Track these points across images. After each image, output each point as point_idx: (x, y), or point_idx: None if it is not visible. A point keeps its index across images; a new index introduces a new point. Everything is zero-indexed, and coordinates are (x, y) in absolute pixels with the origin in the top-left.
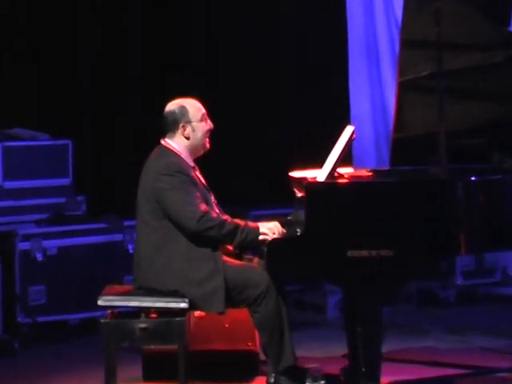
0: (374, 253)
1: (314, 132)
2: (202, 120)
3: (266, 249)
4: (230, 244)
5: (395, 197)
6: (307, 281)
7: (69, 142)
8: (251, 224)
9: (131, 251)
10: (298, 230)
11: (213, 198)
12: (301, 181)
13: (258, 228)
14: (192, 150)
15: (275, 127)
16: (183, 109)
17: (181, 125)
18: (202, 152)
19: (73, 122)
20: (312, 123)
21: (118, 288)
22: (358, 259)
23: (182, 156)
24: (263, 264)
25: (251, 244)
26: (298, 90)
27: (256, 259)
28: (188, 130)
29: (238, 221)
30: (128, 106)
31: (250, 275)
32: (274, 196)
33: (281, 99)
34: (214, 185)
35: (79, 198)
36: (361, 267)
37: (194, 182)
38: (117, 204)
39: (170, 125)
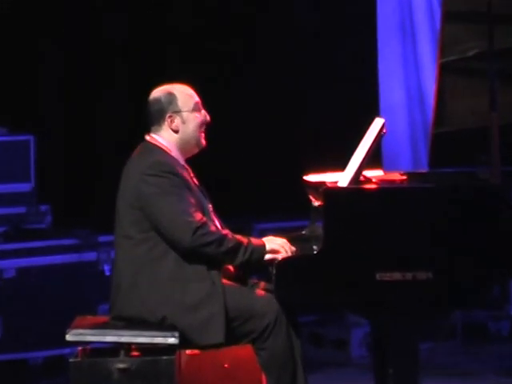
0: (408, 275)
1: (335, 126)
2: (194, 110)
3: (273, 270)
4: (231, 264)
5: (435, 206)
6: (326, 310)
7: (30, 138)
8: (255, 241)
9: (107, 273)
10: (315, 246)
11: (210, 206)
12: (318, 186)
13: (263, 245)
14: (183, 147)
15: (285, 121)
16: (171, 96)
17: (167, 115)
18: (195, 150)
19: (35, 113)
20: (332, 115)
21: (91, 319)
22: (388, 283)
23: (172, 154)
24: (271, 289)
25: (256, 264)
26: (316, 75)
27: (262, 283)
28: (176, 121)
29: (239, 237)
30: (109, 93)
31: (255, 303)
32: (283, 206)
33: (295, 85)
34: (210, 192)
35: (43, 208)
36: (392, 293)
37: (187, 186)
38: (90, 215)
39: (155, 115)
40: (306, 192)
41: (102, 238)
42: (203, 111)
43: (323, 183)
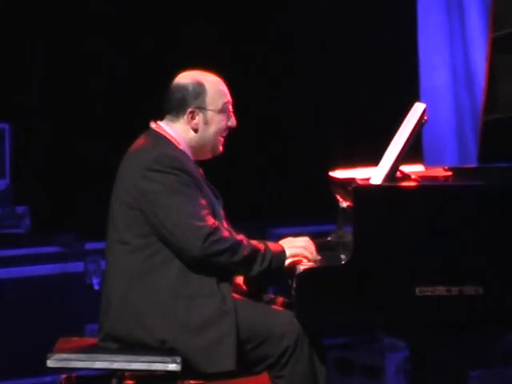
0: (454, 290)
1: (366, 113)
2: (222, 111)
3: (294, 283)
4: (246, 275)
5: (487, 208)
6: (356, 331)
7: (5, 127)
8: (273, 246)
9: (96, 287)
10: (343, 255)
11: (222, 212)
12: (347, 184)
13: (283, 251)
14: (196, 149)
15: (307, 107)
16: (200, 87)
17: (189, 109)
18: (208, 156)
19: (11, 98)
20: (363, 100)
21: (76, 341)
22: (430, 299)
23: (180, 147)
24: (291, 306)
25: (275, 274)
26: (345, 50)
27: (280, 299)
28: (198, 118)
29: (255, 242)
30: (96, 82)
31: (272, 322)
32: (304, 207)
33: (316, 60)
34: (225, 197)
35: (20, 210)
36: (436, 311)
37: (199, 186)
38: (76, 219)
39: (175, 104)
40: (331, 191)
41: (89, 246)
42: (231, 114)
43: (353, 180)
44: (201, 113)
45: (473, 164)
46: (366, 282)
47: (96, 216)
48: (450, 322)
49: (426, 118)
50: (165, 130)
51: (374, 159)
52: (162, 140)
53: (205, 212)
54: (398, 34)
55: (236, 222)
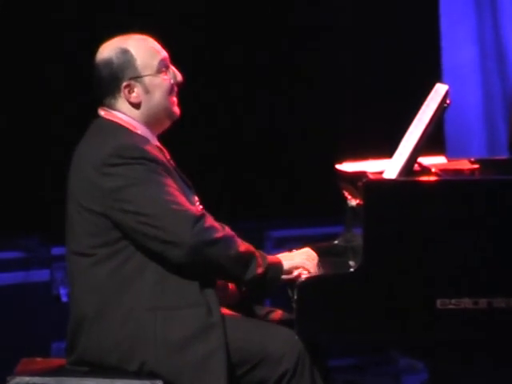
0: (482, 302)
1: (379, 97)
2: (159, 71)
3: (295, 295)
4: (240, 278)
5: None
6: (367, 351)
7: None
8: (270, 257)
9: (64, 298)
10: (352, 262)
11: (196, 198)
12: (356, 179)
13: (280, 263)
14: (151, 122)
15: (310, 87)
16: (126, 54)
17: (124, 83)
18: (167, 123)
19: None
20: (375, 80)
21: (41, 362)
22: (454, 313)
23: (138, 131)
24: (291, 321)
25: (269, 287)
26: (355, 27)
27: (278, 312)
28: (137, 90)
29: (249, 245)
30: (54, 68)
31: (269, 341)
32: (307, 207)
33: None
34: (212, 193)
35: None
36: (460, 327)
37: (168, 172)
38: (41, 220)
39: (107, 84)
40: (339, 187)
41: (56, 251)
42: (172, 69)
43: (363, 174)
44: (137, 83)
45: (503, 155)
46: (379, 292)
47: (63, 218)
48: (476, 340)
49: (448, 101)
50: (115, 116)
51: (387, 150)
52: (114, 128)
53: (183, 198)
54: (417, 3)
55: (229, 224)
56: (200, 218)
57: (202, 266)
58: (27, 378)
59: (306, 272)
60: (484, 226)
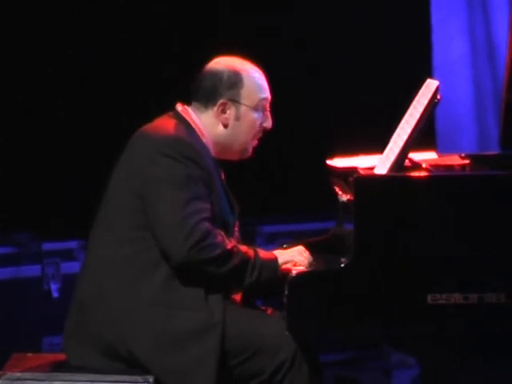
0: (473, 297)
1: (369, 92)
2: (257, 108)
3: (286, 291)
4: (236, 288)
5: (511, 201)
6: (358, 346)
7: None
8: (264, 253)
9: (55, 293)
10: (342, 258)
11: (236, 227)
12: (347, 174)
13: (275, 259)
14: (222, 146)
15: (299, 82)
16: (237, 76)
17: (221, 100)
18: (236, 157)
19: None
20: (365, 77)
21: (32, 357)
22: (445, 308)
23: (203, 140)
24: (282, 318)
25: (266, 284)
26: (345, 20)
27: (269, 310)
28: (229, 112)
29: (245, 249)
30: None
31: (267, 332)
32: (298, 202)
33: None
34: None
35: None
36: (450, 322)
37: (209, 185)
38: (32, 215)
39: (205, 93)
40: (329, 182)
41: (47, 246)
42: (267, 114)
43: (354, 170)
44: (233, 106)
45: (494, 151)
46: (370, 287)
47: (54, 213)
48: (467, 335)
49: (439, 97)
50: (190, 116)
51: (378, 145)
52: (184, 124)
53: (204, 215)
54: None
55: None
56: (203, 238)
57: (196, 277)
58: (18, 374)
59: (296, 267)
60: (475, 221)
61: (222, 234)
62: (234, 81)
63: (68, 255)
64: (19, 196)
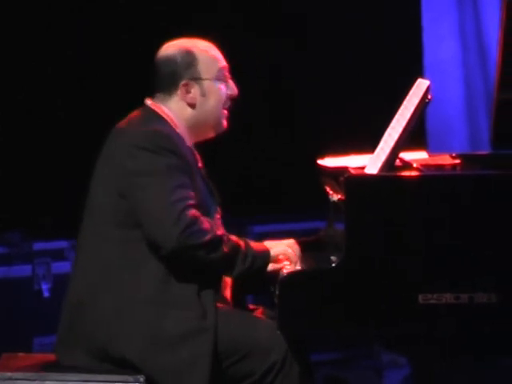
0: (463, 298)
1: (360, 92)
2: (219, 78)
3: (276, 290)
4: (228, 275)
5: (501, 200)
6: (349, 345)
7: None
8: (255, 245)
9: (46, 293)
10: (333, 257)
11: (218, 212)
12: (338, 174)
13: (266, 250)
14: (196, 127)
15: (288, 83)
16: (190, 55)
17: (183, 82)
18: (211, 133)
19: None
20: (356, 77)
21: (23, 357)
22: (436, 308)
23: (178, 130)
24: (273, 317)
25: (256, 277)
26: (335, 19)
27: (260, 310)
28: (194, 91)
29: (235, 239)
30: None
31: (258, 334)
32: (289, 202)
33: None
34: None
35: None
36: (441, 322)
37: (189, 173)
38: (23, 215)
39: (166, 80)
40: (320, 182)
41: (38, 246)
42: (230, 81)
43: (345, 169)
44: (196, 84)
45: (485, 150)
46: (360, 287)
47: (45, 212)
48: (458, 335)
49: (430, 96)
50: (161, 109)
51: (369, 145)
52: (156, 118)
53: (189, 202)
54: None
55: None
56: (192, 224)
57: (188, 265)
58: (9, 374)
59: (288, 263)
60: (464, 221)
61: (210, 221)
62: (189, 60)
63: (59, 255)
64: (10, 196)
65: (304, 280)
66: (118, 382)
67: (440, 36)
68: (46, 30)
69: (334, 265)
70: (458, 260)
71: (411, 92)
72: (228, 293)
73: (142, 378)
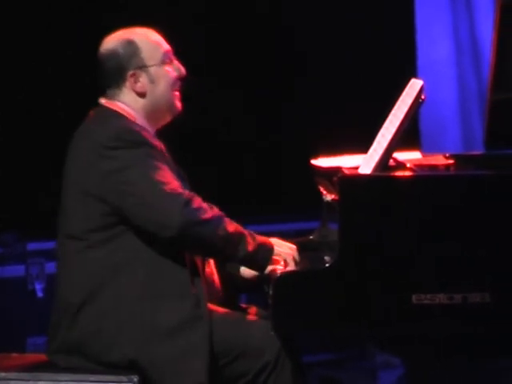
0: (457, 298)
1: (354, 92)
2: (164, 62)
3: (270, 290)
4: (230, 257)
5: (494, 201)
6: (343, 346)
7: None
8: (260, 237)
9: (40, 293)
10: (327, 257)
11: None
12: (331, 174)
13: (271, 245)
14: (152, 114)
15: (283, 82)
16: (131, 45)
17: (129, 73)
18: (168, 117)
19: None
20: (350, 77)
21: (16, 357)
22: (429, 308)
23: (137, 122)
24: (267, 317)
25: (262, 265)
26: (329, 20)
27: (253, 309)
28: (142, 80)
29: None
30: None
31: (250, 334)
32: (282, 202)
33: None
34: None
35: None
36: (435, 322)
37: (163, 157)
38: (17, 215)
39: (111, 74)
40: (314, 182)
41: (32, 246)
42: (176, 62)
43: (338, 169)
44: (143, 72)
45: (478, 151)
46: (354, 287)
47: (40, 212)
48: (452, 335)
49: (423, 97)
50: (117, 105)
51: (363, 145)
52: (114, 116)
53: (177, 183)
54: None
55: None
56: (190, 200)
57: (193, 246)
58: (3, 374)
59: (281, 267)
60: (457, 221)
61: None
62: (131, 49)
63: (52, 255)
64: (3, 196)
65: (298, 280)
66: (112, 382)
67: (434, 37)
68: (45, 30)
69: (327, 265)
70: (451, 260)
71: (405, 92)
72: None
73: (135, 378)
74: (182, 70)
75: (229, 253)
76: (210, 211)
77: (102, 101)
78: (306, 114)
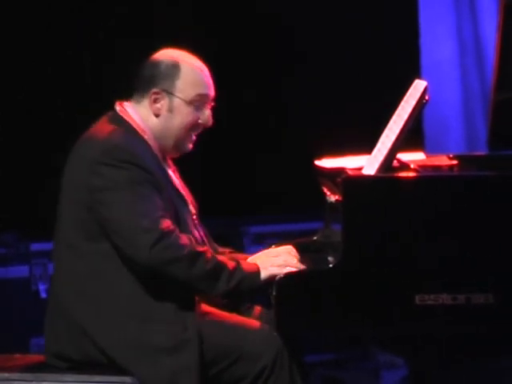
0: (461, 298)
1: (358, 93)
2: (193, 103)
3: (274, 291)
4: (210, 293)
5: (498, 201)
6: (346, 346)
7: None
8: (247, 265)
9: (43, 294)
10: (331, 258)
11: (193, 213)
12: (335, 175)
13: (257, 271)
14: (160, 139)
15: (285, 82)
16: (175, 67)
17: (154, 89)
18: (175, 153)
19: None
20: (354, 78)
21: (20, 358)
22: (432, 309)
23: (145, 137)
24: (269, 318)
25: (246, 295)
26: (331, 20)
27: (258, 309)
28: (162, 103)
29: (224, 259)
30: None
31: (247, 338)
32: (286, 202)
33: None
34: (190, 190)
35: None
36: (438, 322)
37: (156, 184)
38: (20, 216)
39: (142, 82)
40: (318, 183)
41: (35, 247)
42: (207, 112)
43: (342, 170)
44: (167, 97)
45: (482, 151)
46: (357, 288)
47: (42, 213)
48: (455, 335)
49: (427, 97)
50: (129, 115)
51: (366, 146)
52: (122, 126)
53: (159, 214)
54: (396, 0)
55: (207, 220)
56: (163, 237)
57: (169, 282)
58: (6, 375)
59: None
60: (461, 221)
61: (191, 237)
62: (172, 72)
63: None
64: (7, 197)
65: (301, 281)
66: (116, 382)
67: (437, 37)
68: (46, 29)
69: (331, 266)
70: (455, 261)
71: (408, 93)
72: None
73: (128, 380)
74: (210, 121)
75: (206, 290)
76: (186, 247)
77: (117, 107)
78: (309, 114)
